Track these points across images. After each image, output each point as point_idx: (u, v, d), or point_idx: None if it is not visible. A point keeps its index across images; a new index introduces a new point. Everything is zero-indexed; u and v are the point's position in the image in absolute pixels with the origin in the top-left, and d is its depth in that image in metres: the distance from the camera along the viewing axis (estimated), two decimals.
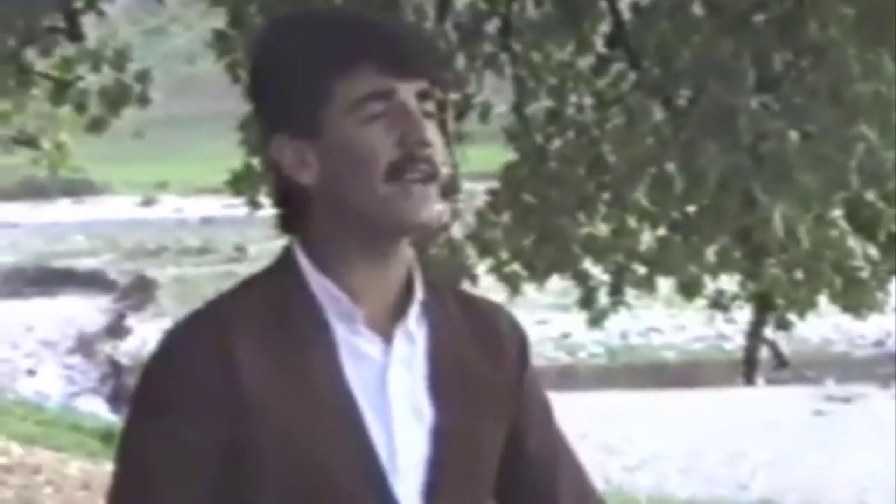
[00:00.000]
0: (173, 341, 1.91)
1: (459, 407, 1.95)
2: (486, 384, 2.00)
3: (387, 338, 1.93)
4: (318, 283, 1.91)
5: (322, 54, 1.90)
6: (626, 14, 8.26)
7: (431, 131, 1.90)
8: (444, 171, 1.93)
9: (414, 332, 1.95)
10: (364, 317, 1.91)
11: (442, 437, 1.93)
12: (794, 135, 7.34)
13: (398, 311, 1.94)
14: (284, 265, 1.95)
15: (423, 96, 1.92)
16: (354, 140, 1.88)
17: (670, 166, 7.75)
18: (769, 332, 9.11)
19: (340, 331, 1.90)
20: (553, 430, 2.11)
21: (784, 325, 8.51)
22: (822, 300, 8.50)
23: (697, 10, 7.90)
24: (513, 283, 8.73)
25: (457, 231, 8.78)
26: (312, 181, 1.91)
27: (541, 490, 2.08)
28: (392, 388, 1.91)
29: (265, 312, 1.90)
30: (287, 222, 1.97)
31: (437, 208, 1.91)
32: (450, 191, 8.91)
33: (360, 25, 1.93)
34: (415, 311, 1.95)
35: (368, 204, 1.88)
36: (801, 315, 8.50)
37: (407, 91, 1.90)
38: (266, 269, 1.97)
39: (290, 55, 1.93)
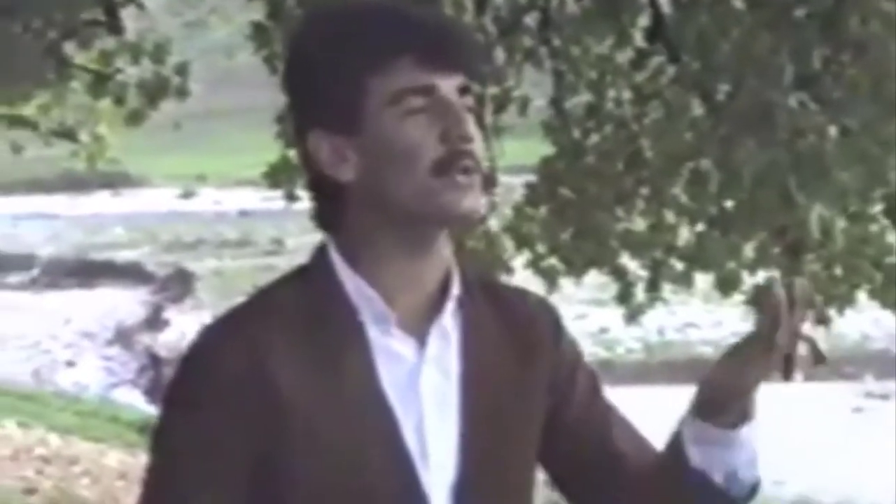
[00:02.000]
0: (209, 339, 1.91)
1: (491, 405, 1.93)
2: (518, 379, 1.98)
3: (420, 337, 1.91)
4: (352, 283, 1.90)
5: (360, 47, 1.88)
6: (666, 8, 8.23)
7: (472, 126, 1.89)
8: (484, 165, 1.92)
9: (448, 329, 1.93)
10: (397, 318, 1.90)
11: (472, 436, 1.92)
12: (832, 130, 7.30)
13: (433, 308, 1.93)
14: (318, 264, 1.93)
15: (462, 91, 1.90)
16: (396, 135, 1.87)
17: (708, 162, 7.73)
18: (807, 327, 9.05)
19: (373, 331, 1.89)
20: (600, 395, 2.08)
21: (822, 321, 8.46)
22: (862, 296, 8.45)
23: (738, 3, 7.86)
24: (550, 277, 8.71)
25: (494, 224, 8.76)
26: (351, 177, 1.89)
27: (597, 446, 2.05)
28: (424, 388, 1.90)
29: (300, 312, 1.89)
30: (323, 219, 1.96)
31: (479, 199, 1.89)
32: (488, 184, 8.88)
33: (398, 18, 1.91)
34: (450, 307, 1.93)
35: (412, 197, 1.86)
36: (840, 311, 8.45)
37: (448, 86, 1.88)
38: (301, 268, 1.96)
39: (327, 48, 1.91)
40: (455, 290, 1.94)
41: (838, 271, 8.21)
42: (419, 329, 1.91)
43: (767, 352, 1.89)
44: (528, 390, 1.99)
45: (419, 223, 1.89)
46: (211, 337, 1.90)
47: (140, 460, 10.79)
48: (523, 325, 2.02)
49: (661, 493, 2.01)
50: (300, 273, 1.95)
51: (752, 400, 1.95)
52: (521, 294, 2.10)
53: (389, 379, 1.88)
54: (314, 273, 1.93)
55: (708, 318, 26.14)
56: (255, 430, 1.84)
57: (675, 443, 1.97)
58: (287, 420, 1.84)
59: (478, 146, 1.89)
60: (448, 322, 1.93)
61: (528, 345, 2.01)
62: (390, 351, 1.89)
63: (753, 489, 1.99)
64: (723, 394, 1.93)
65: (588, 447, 2.05)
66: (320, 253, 1.94)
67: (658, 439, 2.07)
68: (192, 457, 1.86)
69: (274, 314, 1.89)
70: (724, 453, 1.95)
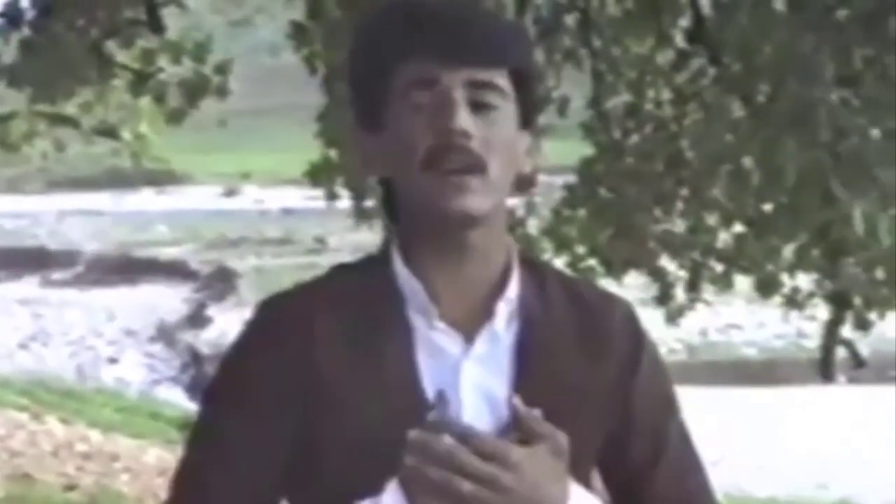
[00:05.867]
0: (261, 322, 1.94)
1: (545, 406, 1.88)
2: (582, 383, 1.94)
3: (469, 335, 1.91)
4: (404, 276, 1.91)
5: (381, 46, 1.90)
6: (707, 9, 8.19)
7: (466, 119, 1.84)
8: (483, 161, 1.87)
9: (500, 332, 1.92)
10: (441, 312, 1.90)
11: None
12: (875, 132, 7.24)
13: (487, 309, 1.92)
14: (382, 255, 1.96)
15: (476, 85, 1.86)
16: (400, 129, 1.87)
17: (748, 162, 7.68)
18: (847, 331, 8.97)
19: (419, 323, 1.90)
20: (663, 435, 2.02)
21: (862, 325, 8.39)
22: None
23: (779, 5, 7.82)
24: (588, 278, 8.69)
25: (532, 226, 8.75)
26: (381, 176, 1.93)
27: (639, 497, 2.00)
28: (465, 384, 1.89)
29: (352, 298, 1.91)
30: (388, 211, 1.98)
31: (475, 199, 1.84)
32: (526, 185, 8.87)
33: (414, 14, 1.89)
34: (503, 311, 1.92)
35: (411, 193, 1.88)
36: (881, 315, 8.38)
37: (453, 79, 1.84)
38: (365, 258, 2.00)
39: (359, 50, 1.94)
40: (511, 293, 1.93)
41: (880, 274, 8.13)
42: (468, 327, 1.91)
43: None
44: (595, 395, 1.95)
45: (425, 221, 1.89)
46: (262, 321, 1.93)
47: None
48: (600, 329, 1.98)
49: None
50: (361, 263, 1.98)
51: None
52: (607, 298, 2.06)
53: (431, 371, 1.89)
54: (374, 263, 1.96)
55: (751, 320, 26.00)
56: (296, 417, 1.87)
57: None
58: (327, 407, 1.86)
59: (477, 141, 1.84)
60: (500, 325, 1.92)
61: (601, 350, 1.97)
62: (434, 344, 1.90)
63: None
64: None
65: (634, 490, 2.00)
66: (386, 243, 1.96)
67: (699, 440, 2.02)
68: (232, 444, 1.90)
69: (323, 302, 1.91)
70: None
